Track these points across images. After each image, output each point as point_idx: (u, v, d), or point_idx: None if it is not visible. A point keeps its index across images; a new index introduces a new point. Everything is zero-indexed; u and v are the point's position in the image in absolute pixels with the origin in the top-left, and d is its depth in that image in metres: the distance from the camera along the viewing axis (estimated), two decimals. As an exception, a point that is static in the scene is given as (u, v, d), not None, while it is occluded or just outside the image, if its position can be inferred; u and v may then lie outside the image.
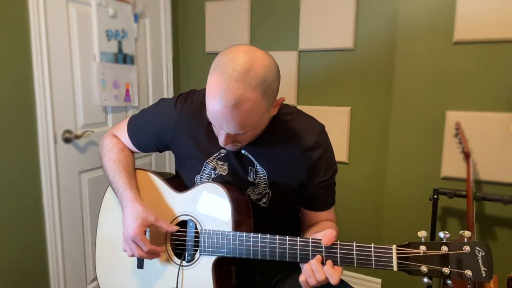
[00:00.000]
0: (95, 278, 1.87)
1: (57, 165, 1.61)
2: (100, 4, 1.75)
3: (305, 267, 0.84)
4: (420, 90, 1.83)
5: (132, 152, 1.17)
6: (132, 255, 0.97)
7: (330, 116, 2.00)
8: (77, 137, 1.67)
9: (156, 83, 2.21)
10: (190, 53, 2.40)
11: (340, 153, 2.01)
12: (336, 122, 2.00)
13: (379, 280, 2.02)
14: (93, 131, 1.77)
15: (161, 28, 2.21)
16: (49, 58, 1.55)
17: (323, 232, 0.85)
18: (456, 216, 1.84)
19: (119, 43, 1.88)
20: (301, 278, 0.84)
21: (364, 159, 2.00)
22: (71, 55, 1.65)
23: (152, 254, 0.98)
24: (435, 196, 1.67)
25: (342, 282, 1.04)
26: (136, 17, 1.99)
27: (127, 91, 1.96)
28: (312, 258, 0.84)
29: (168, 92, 2.30)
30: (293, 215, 1.16)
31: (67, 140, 1.65)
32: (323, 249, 0.84)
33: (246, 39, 2.18)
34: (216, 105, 0.80)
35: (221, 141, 0.90)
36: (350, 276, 2.04)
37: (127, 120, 1.17)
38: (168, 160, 2.34)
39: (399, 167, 1.93)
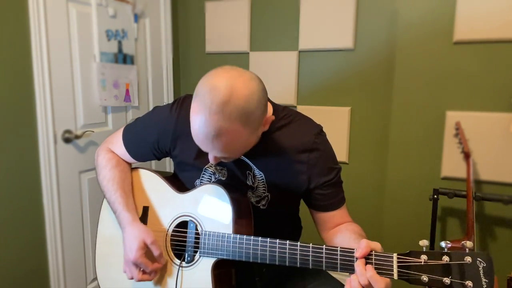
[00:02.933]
0: (95, 278, 1.87)
1: (57, 165, 1.61)
2: (100, 4, 1.75)
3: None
4: (420, 90, 1.83)
5: (129, 164, 1.15)
6: (131, 278, 0.99)
7: (330, 116, 2.00)
8: (77, 137, 1.67)
9: (156, 83, 2.21)
10: (190, 53, 2.40)
11: (340, 153, 2.01)
12: (336, 122, 2.00)
13: (379, 280, 2.01)
14: (93, 131, 1.77)
15: (161, 28, 2.21)
16: (49, 58, 1.55)
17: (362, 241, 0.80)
18: (456, 216, 1.84)
19: (119, 43, 1.88)
20: None
21: (364, 159, 2.00)
22: (71, 55, 1.65)
23: (155, 274, 1.00)
24: (435, 196, 1.67)
25: (338, 283, 1.04)
26: (136, 17, 1.99)
27: (127, 91, 1.96)
28: (312, 262, 0.84)
29: (168, 92, 2.30)
30: (292, 216, 1.15)
31: (67, 140, 1.65)
32: (323, 254, 0.83)
33: (246, 39, 2.18)
34: (198, 134, 0.82)
35: (210, 159, 0.90)
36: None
37: (120, 132, 1.14)
38: (168, 162, 2.34)
39: (399, 167, 1.92)
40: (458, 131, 1.70)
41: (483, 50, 1.70)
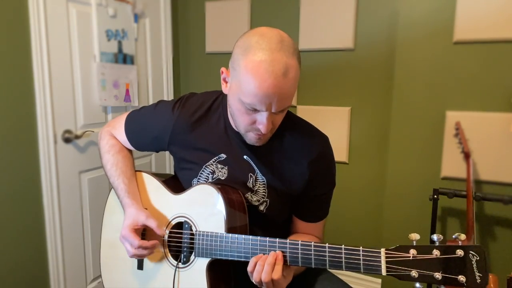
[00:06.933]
0: (95, 278, 1.87)
1: (57, 165, 1.61)
2: (100, 4, 1.75)
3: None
4: (420, 90, 1.83)
5: (130, 150, 1.17)
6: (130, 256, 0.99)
7: (330, 116, 2.00)
8: (77, 137, 1.67)
9: (156, 83, 2.21)
10: (190, 53, 2.40)
11: (340, 153, 2.01)
12: (336, 122, 2.00)
13: (379, 280, 2.01)
14: (93, 131, 1.77)
15: (161, 28, 2.21)
16: (49, 58, 1.54)
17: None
18: (456, 216, 1.84)
19: (119, 43, 1.88)
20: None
21: (364, 159, 2.00)
22: (71, 55, 1.65)
23: (144, 250, 0.97)
24: (435, 196, 1.67)
25: (342, 282, 1.04)
26: (136, 17, 1.99)
27: (127, 91, 1.96)
28: (301, 260, 0.84)
29: (168, 92, 2.30)
30: (290, 223, 1.15)
31: (67, 140, 1.65)
32: (312, 251, 0.82)
33: (246, 39, 2.17)
34: (265, 81, 0.79)
35: (264, 126, 0.86)
36: (350, 276, 2.04)
37: (124, 117, 1.16)
38: (168, 161, 2.34)
39: (399, 167, 1.92)
40: (458, 131, 1.70)
41: (483, 50, 1.70)
